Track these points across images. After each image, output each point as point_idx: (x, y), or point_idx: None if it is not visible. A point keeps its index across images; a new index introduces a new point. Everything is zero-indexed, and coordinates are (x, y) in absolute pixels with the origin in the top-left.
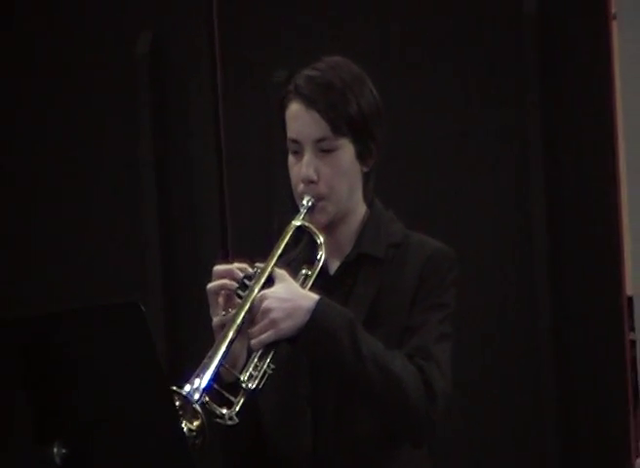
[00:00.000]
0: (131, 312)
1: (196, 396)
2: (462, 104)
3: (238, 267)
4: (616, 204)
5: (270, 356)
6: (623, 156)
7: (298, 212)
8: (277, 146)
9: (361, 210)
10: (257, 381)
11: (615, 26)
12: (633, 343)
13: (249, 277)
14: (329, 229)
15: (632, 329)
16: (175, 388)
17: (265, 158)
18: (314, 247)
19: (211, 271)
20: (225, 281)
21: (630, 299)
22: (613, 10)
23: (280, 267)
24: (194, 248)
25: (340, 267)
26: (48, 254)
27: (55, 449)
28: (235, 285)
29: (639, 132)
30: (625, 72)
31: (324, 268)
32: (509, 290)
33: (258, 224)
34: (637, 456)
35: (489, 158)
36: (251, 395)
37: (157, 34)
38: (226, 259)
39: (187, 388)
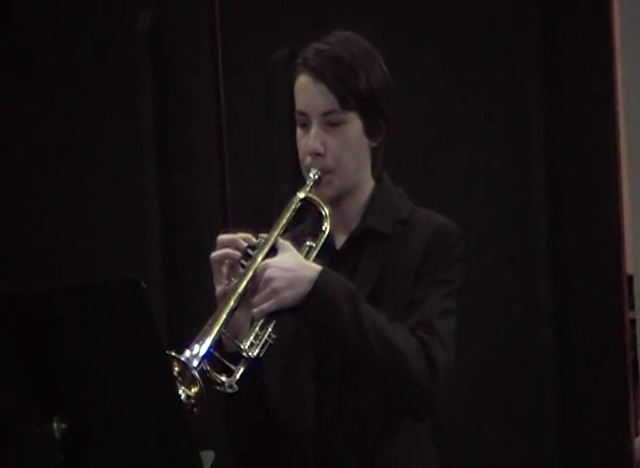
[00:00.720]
0: (131, 288)
1: (195, 362)
2: (465, 95)
3: (242, 237)
4: (616, 182)
5: (272, 325)
6: (624, 136)
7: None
8: (278, 124)
9: (369, 185)
10: (257, 350)
11: (616, 14)
12: (633, 322)
13: (252, 247)
14: (336, 203)
15: (632, 307)
16: (173, 353)
17: (267, 136)
18: (320, 220)
19: (210, 246)
20: (229, 250)
21: (630, 278)
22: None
23: (287, 240)
24: (194, 226)
25: (346, 242)
26: (47, 235)
27: (54, 424)
28: (239, 254)
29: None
30: (628, 64)
31: (330, 243)
32: (509, 269)
33: (258, 201)
34: (637, 435)
35: (490, 142)
36: (252, 364)
37: (157, 12)
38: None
39: (187, 354)
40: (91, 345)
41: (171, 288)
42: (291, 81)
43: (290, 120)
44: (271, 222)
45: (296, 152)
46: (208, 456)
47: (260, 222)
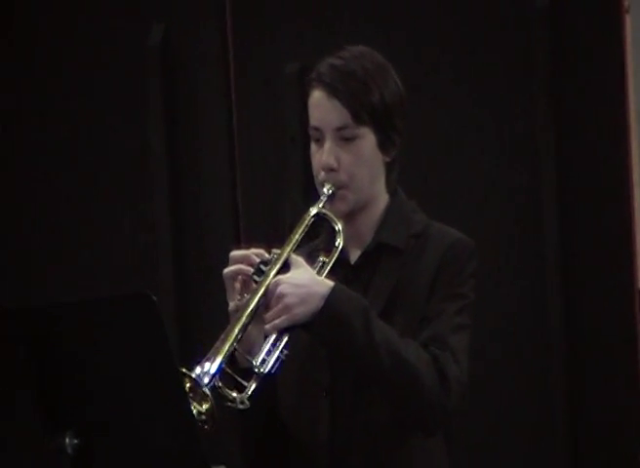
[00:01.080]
0: (143, 303)
1: (206, 380)
2: (474, 99)
3: (255, 253)
4: (628, 195)
5: (284, 341)
6: (636, 150)
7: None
8: (290, 138)
9: (383, 199)
10: (269, 366)
11: (628, 20)
12: None
13: (265, 262)
14: (350, 218)
15: None
16: (184, 370)
17: (278, 149)
18: (334, 235)
19: (221, 261)
20: (242, 266)
21: None
22: (626, 3)
23: (300, 255)
24: (205, 238)
25: (360, 257)
26: (56, 247)
27: (67, 440)
28: (251, 270)
29: None
30: (638, 65)
31: (345, 258)
32: (520, 281)
33: (269, 215)
34: None
35: (501, 150)
36: (264, 380)
37: (169, 26)
38: (239, 247)
39: (197, 371)
40: (102, 360)
41: (181, 300)
42: (304, 96)
43: (301, 134)
44: (282, 235)
45: (307, 166)
46: None
47: (271, 235)
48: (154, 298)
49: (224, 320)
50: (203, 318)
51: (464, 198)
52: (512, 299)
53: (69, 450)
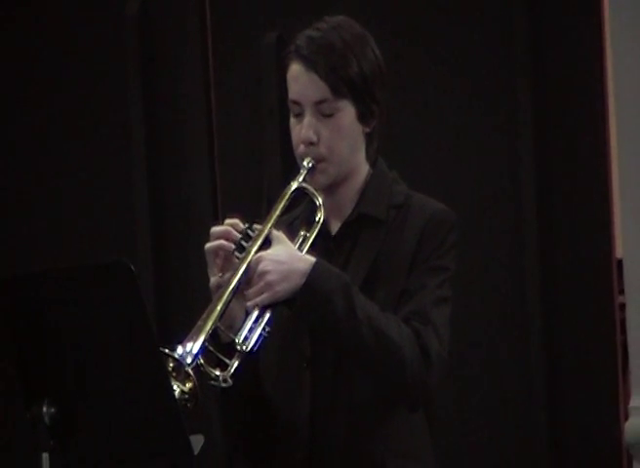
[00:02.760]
0: (121, 271)
1: (189, 359)
2: (455, 92)
3: (229, 223)
4: (605, 166)
5: (266, 318)
6: (614, 124)
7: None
8: (268, 109)
9: (363, 170)
10: (251, 343)
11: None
12: (622, 306)
13: (246, 238)
14: (330, 190)
15: (622, 292)
16: (167, 351)
17: (256, 121)
18: (314, 208)
19: (200, 234)
20: (223, 241)
21: (620, 262)
22: None
23: (281, 227)
24: (183, 210)
25: (341, 228)
26: (38, 219)
27: (44, 409)
28: (232, 246)
29: (627, 100)
30: (617, 47)
31: (325, 228)
32: (499, 256)
33: (248, 188)
34: (626, 419)
35: (481, 132)
36: (246, 357)
37: None
38: (216, 222)
39: (180, 351)
40: (80, 329)
41: (160, 273)
42: (283, 68)
43: (279, 105)
44: (261, 208)
45: (285, 137)
46: (197, 440)
47: (250, 208)
48: (132, 267)
49: (203, 292)
50: (181, 291)
51: (443, 184)
52: (490, 269)
53: (46, 419)
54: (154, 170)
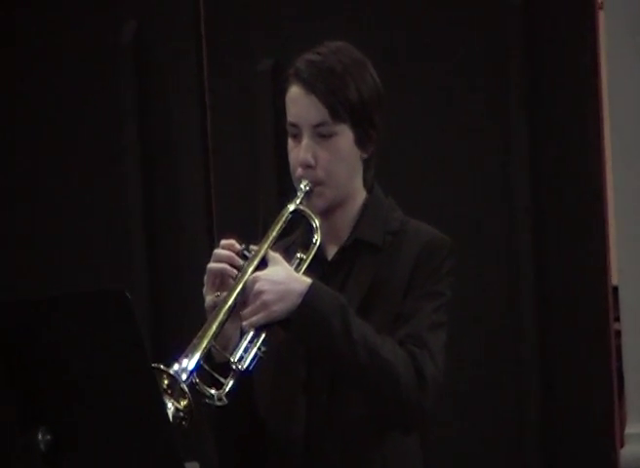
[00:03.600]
0: (116, 299)
1: (184, 376)
2: (448, 98)
3: (224, 244)
4: (601, 194)
5: (262, 338)
6: (609, 147)
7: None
8: (263, 135)
9: (360, 196)
10: (247, 363)
11: (601, 16)
12: (618, 333)
13: (243, 258)
14: (327, 214)
15: (617, 319)
16: (162, 367)
17: (251, 146)
18: (311, 231)
19: (194, 257)
20: (226, 266)
21: (615, 289)
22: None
23: (277, 251)
24: (178, 234)
25: (337, 253)
26: (32, 242)
27: (39, 436)
28: (235, 272)
29: (624, 123)
30: (612, 62)
31: (322, 254)
32: (494, 280)
33: (243, 212)
34: (622, 445)
35: (475, 149)
36: (241, 377)
37: (141, 23)
38: (211, 244)
39: (175, 367)
40: (75, 356)
41: (154, 297)
42: (282, 92)
43: (274, 130)
44: (256, 232)
45: (280, 163)
46: None
47: (245, 232)
48: (127, 294)
49: (197, 316)
50: (176, 315)
51: (440, 208)
52: (486, 294)
53: (41, 446)
54: (149, 195)
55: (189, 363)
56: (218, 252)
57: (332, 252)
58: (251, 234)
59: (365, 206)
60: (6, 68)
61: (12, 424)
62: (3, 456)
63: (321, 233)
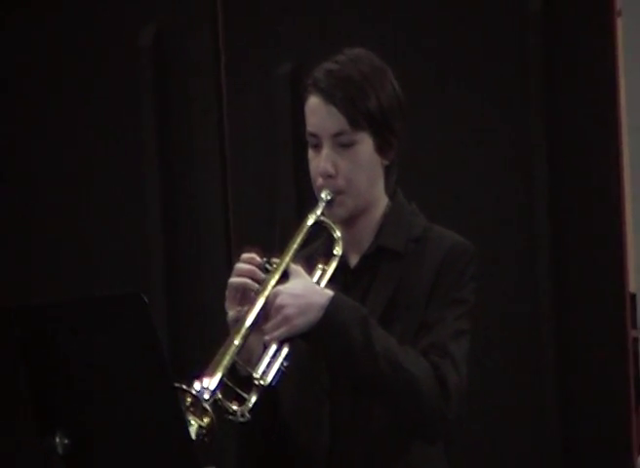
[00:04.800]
0: (133, 303)
1: (206, 395)
2: (467, 105)
3: (245, 258)
4: (619, 201)
5: (284, 353)
6: (627, 154)
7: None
8: (281, 139)
9: (382, 203)
10: (269, 377)
11: (619, 23)
12: (636, 340)
13: (264, 272)
14: (349, 223)
15: (635, 326)
16: (185, 387)
17: (269, 151)
18: (333, 241)
19: (212, 265)
20: (248, 281)
21: (633, 296)
22: (618, 7)
23: (299, 261)
24: (196, 241)
25: (359, 261)
26: (48, 244)
27: (57, 439)
28: (257, 286)
29: None
30: (630, 69)
31: (344, 262)
32: (511, 287)
33: (260, 219)
34: (639, 453)
35: (493, 155)
36: (264, 392)
37: (160, 27)
38: (229, 253)
39: (197, 387)
40: (93, 360)
41: (172, 302)
42: (301, 101)
43: (293, 135)
44: (274, 239)
45: (299, 168)
46: None
47: (263, 240)
48: (145, 298)
49: (214, 321)
50: (194, 320)
51: (459, 203)
52: (503, 301)
53: (60, 450)
54: (167, 200)
55: (211, 382)
56: (239, 266)
57: (354, 259)
58: (269, 244)
59: (387, 213)
60: (25, 71)
61: (31, 427)
62: (23, 458)
63: (343, 241)
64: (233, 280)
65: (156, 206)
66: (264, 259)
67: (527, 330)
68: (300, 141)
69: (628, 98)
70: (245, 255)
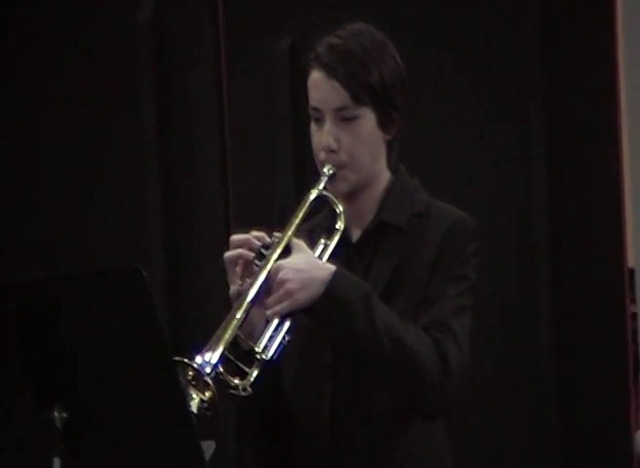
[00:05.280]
0: (132, 277)
1: (208, 369)
2: (465, 103)
3: (255, 236)
4: (617, 176)
5: (286, 327)
6: (625, 131)
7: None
8: (280, 113)
9: (385, 177)
10: (271, 352)
11: (619, 12)
12: (634, 315)
13: (266, 246)
14: (351, 197)
15: (633, 301)
16: (186, 360)
17: (268, 126)
18: (335, 216)
19: (211, 242)
20: (242, 250)
21: (632, 271)
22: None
23: (301, 235)
24: (195, 218)
25: (361, 236)
26: (48, 221)
27: (55, 413)
28: (252, 254)
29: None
30: (631, 66)
31: (346, 236)
32: (510, 262)
33: (260, 195)
34: (637, 429)
35: (492, 138)
36: (265, 366)
37: (158, 1)
38: (228, 228)
39: (199, 360)
40: (91, 334)
41: (172, 279)
42: (303, 76)
43: (292, 110)
44: (273, 215)
45: (297, 143)
46: (209, 446)
47: (263, 215)
48: (143, 272)
49: (214, 296)
50: (193, 294)
51: (455, 191)
52: (501, 276)
53: (58, 424)
54: (167, 175)
55: (213, 355)
56: (232, 238)
57: (356, 234)
58: (268, 219)
59: (389, 188)
60: (21, 49)
61: (30, 401)
62: (22, 432)
63: (345, 216)
64: (227, 253)
65: (155, 180)
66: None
67: (524, 306)
68: (299, 116)
69: (628, 85)
70: (254, 233)
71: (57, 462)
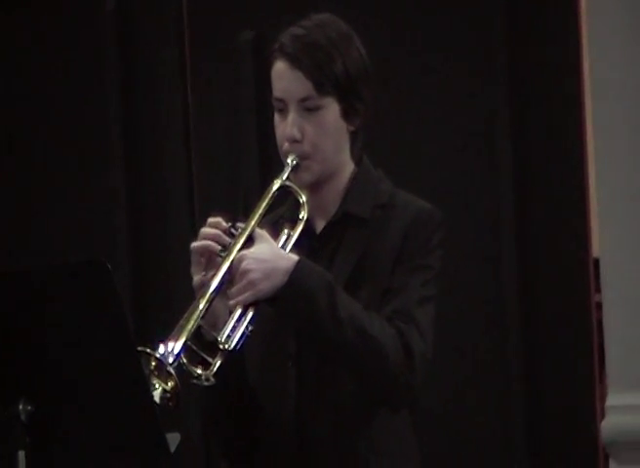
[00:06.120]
0: (97, 269)
1: (170, 359)
2: (440, 92)
3: (211, 222)
4: (582, 166)
5: (249, 317)
6: (590, 114)
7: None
8: (244, 105)
9: (348, 168)
10: (234, 342)
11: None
12: (599, 305)
13: (229, 236)
14: (315, 188)
15: (598, 290)
16: (148, 350)
17: (233, 117)
18: (299, 206)
19: (176, 232)
20: (210, 242)
21: (597, 261)
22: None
23: (265, 226)
24: (160, 208)
25: (325, 227)
26: (16, 214)
27: (20, 406)
28: (219, 247)
29: (603, 100)
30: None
31: (311, 227)
32: (476, 254)
33: (225, 185)
34: (603, 418)
35: (459, 129)
36: (229, 356)
37: None
38: (193, 218)
39: (161, 350)
40: (55, 326)
41: (137, 273)
42: (267, 66)
43: (256, 102)
44: (238, 206)
45: (262, 135)
46: (174, 438)
47: (228, 205)
48: (108, 264)
49: (180, 287)
50: (159, 286)
51: (421, 183)
52: (466, 267)
53: (23, 417)
54: (131, 168)
55: (175, 345)
56: (203, 230)
57: (320, 225)
58: (233, 210)
59: (353, 179)
60: None
61: None
62: None
63: (309, 207)
64: (195, 244)
65: (119, 167)
66: (230, 224)
67: (490, 294)
68: (263, 108)
69: (592, 72)
70: (211, 220)
71: (21, 456)
